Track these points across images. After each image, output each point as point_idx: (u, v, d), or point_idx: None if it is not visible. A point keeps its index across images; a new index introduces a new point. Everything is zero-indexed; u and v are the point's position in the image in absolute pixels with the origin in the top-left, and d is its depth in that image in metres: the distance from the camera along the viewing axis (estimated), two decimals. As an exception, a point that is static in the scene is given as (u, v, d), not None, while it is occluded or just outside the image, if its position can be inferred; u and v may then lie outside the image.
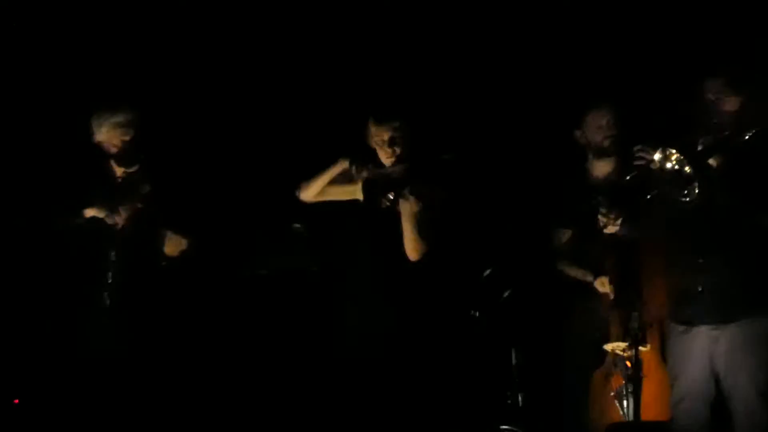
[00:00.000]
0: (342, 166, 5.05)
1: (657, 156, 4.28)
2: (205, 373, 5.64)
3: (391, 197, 5.01)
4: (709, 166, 4.38)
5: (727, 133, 4.51)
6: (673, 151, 4.26)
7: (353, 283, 5.28)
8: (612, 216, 4.58)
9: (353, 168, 4.99)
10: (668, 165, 4.29)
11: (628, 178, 4.55)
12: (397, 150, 5.09)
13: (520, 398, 5.56)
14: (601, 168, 5.20)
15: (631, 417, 4.86)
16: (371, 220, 5.14)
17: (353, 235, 5.29)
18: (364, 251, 5.21)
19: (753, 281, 4.44)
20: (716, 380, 4.46)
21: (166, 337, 5.13)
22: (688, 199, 4.31)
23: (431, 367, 5.16)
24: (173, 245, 4.89)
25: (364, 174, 5.00)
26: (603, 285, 5.04)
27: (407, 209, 5.00)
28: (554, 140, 5.62)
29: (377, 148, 5.12)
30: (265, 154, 6.05)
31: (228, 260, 5.93)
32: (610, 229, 4.63)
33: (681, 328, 4.54)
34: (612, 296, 5.03)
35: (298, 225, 5.81)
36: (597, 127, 5.23)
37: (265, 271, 5.98)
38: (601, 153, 5.16)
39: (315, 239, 5.91)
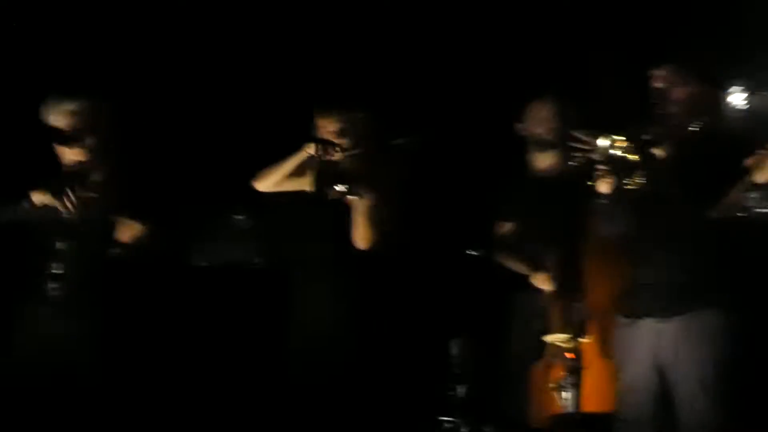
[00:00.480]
0: (306, 153, 5.04)
1: (603, 142, 4.26)
2: (154, 366, 5.51)
3: (343, 188, 4.99)
4: (656, 155, 4.36)
5: (674, 122, 4.50)
6: (620, 138, 4.24)
7: (302, 273, 5.28)
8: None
9: (320, 152, 5.00)
10: (613, 152, 4.27)
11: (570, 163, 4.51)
12: (346, 141, 5.09)
13: (460, 390, 5.53)
14: (544, 160, 5.21)
15: (571, 408, 4.80)
16: (321, 210, 5.12)
17: (302, 226, 5.28)
18: (314, 241, 5.22)
19: (699, 274, 4.44)
20: (661, 373, 4.47)
21: (120, 330, 5.12)
22: (632, 187, 4.29)
23: (378, 358, 5.19)
24: (127, 231, 4.83)
25: (333, 156, 5.01)
26: (542, 281, 5.07)
27: (360, 199, 5.01)
28: (496, 132, 5.60)
29: (325, 137, 5.15)
30: (207, 145, 6.05)
31: (174, 250, 5.78)
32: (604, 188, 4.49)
33: (626, 320, 4.54)
34: (552, 290, 5.03)
35: (240, 216, 5.80)
36: (539, 119, 5.24)
37: (206, 263, 5.97)
38: (543, 145, 5.16)
39: (258, 231, 5.76)
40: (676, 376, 4.44)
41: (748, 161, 4.22)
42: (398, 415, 5.29)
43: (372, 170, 5.11)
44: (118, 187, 4.90)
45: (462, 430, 5.46)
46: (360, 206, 5.00)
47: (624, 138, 4.28)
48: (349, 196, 4.95)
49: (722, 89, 4.71)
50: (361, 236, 5.05)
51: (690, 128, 4.45)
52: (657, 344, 4.46)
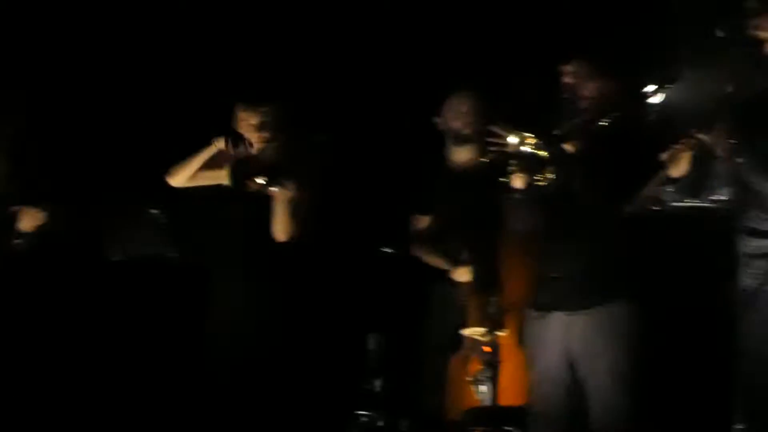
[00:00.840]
0: (216, 147, 5.04)
1: (513, 140, 4.30)
2: (61, 361, 5.58)
3: (263, 181, 4.98)
4: (566, 151, 4.43)
5: (585, 118, 4.56)
6: (529, 134, 4.28)
7: (219, 267, 5.28)
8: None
9: (230, 146, 4.99)
10: (524, 149, 4.31)
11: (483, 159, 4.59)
12: (266, 134, 5.10)
13: (377, 384, 5.54)
14: (461, 154, 5.23)
15: (488, 402, 4.81)
16: (240, 204, 5.11)
17: (219, 220, 5.26)
18: (231, 235, 5.19)
19: (608, 268, 4.51)
20: (572, 365, 4.54)
21: (22, 321, 5.06)
22: (543, 183, 4.34)
23: (295, 352, 5.21)
24: (29, 219, 4.78)
25: (241, 151, 5.00)
26: (461, 274, 5.09)
27: (280, 191, 5.01)
28: (414, 127, 5.64)
29: (246, 133, 5.12)
30: (122, 136, 5.97)
31: (87, 243, 5.83)
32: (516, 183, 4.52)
33: (537, 313, 4.61)
34: (470, 283, 5.05)
35: (155, 210, 5.75)
36: (456, 114, 5.27)
37: (120, 257, 5.90)
38: (461, 140, 5.21)
39: (175, 224, 5.86)
40: (587, 369, 4.53)
41: (663, 156, 4.29)
42: (315, 409, 5.32)
43: (291, 163, 5.13)
44: (24, 176, 4.87)
45: (378, 424, 5.45)
46: (280, 198, 5.01)
47: (534, 135, 4.32)
48: (269, 188, 4.97)
49: (633, 84, 4.74)
50: (280, 229, 5.05)
51: (600, 123, 4.50)
52: (567, 337, 4.56)
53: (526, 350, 4.77)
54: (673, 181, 4.30)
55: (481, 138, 4.95)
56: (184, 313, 5.65)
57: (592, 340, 4.49)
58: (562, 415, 4.59)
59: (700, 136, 4.31)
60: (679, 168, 4.26)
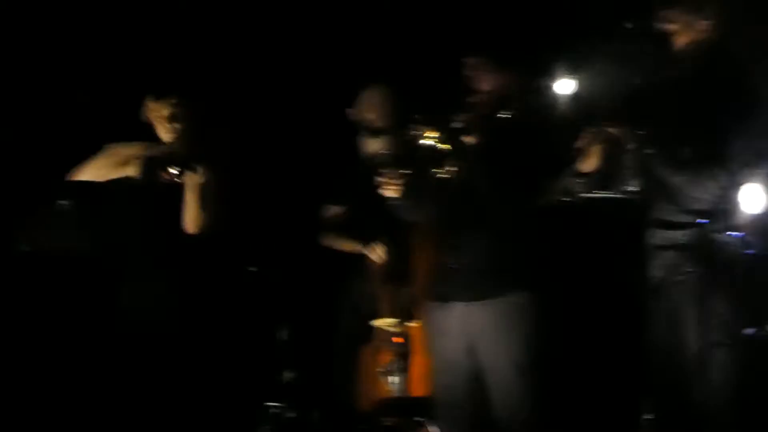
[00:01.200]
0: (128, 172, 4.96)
1: (414, 133, 4.35)
2: None
3: (176, 171, 4.90)
4: (466, 144, 4.44)
5: (485, 111, 4.55)
6: (429, 128, 4.30)
7: (129, 259, 5.13)
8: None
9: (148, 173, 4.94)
10: (424, 142, 4.34)
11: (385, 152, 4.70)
12: (177, 125, 5.00)
13: (287, 376, 5.54)
14: (374, 146, 5.24)
15: (399, 392, 4.95)
16: (149, 195, 5.01)
17: (128, 212, 5.09)
18: (142, 227, 5.07)
19: (506, 260, 4.54)
20: (474, 356, 4.57)
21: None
22: (446, 175, 4.36)
23: (204, 344, 5.08)
24: None
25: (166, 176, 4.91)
26: (376, 252, 5.12)
27: (193, 182, 4.91)
28: (328, 117, 5.67)
29: (156, 124, 5.03)
30: (30, 128, 5.87)
31: None
32: (389, 192, 4.58)
33: (437, 304, 4.64)
34: (384, 269, 5.09)
35: (64, 201, 5.68)
36: (370, 105, 5.30)
37: (27, 248, 5.81)
38: (373, 131, 5.21)
39: (84, 216, 5.73)
40: (488, 359, 4.56)
41: (574, 148, 4.35)
42: (225, 401, 5.20)
43: (203, 153, 5.08)
44: None
45: (289, 415, 5.45)
46: (191, 185, 4.96)
47: (434, 128, 4.34)
48: (183, 178, 4.92)
49: (535, 77, 4.83)
50: (192, 220, 5.00)
51: (499, 116, 4.51)
52: (468, 328, 4.57)
53: (428, 340, 4.80)
54: (584, 174, 4.38)
55: (394, 130, 5.10)
56: (93, 306, 5.58)
57: (492, 329, 4.53)
58: (464, 404, 4.61)
59: (609, 128, 4.40)
60: (590, 162, 4.34)
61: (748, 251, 4.49)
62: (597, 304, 5.35)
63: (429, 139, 4.32)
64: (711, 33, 4.44)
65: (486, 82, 4.61)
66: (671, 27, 4.49)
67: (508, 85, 4.62)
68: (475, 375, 4.59)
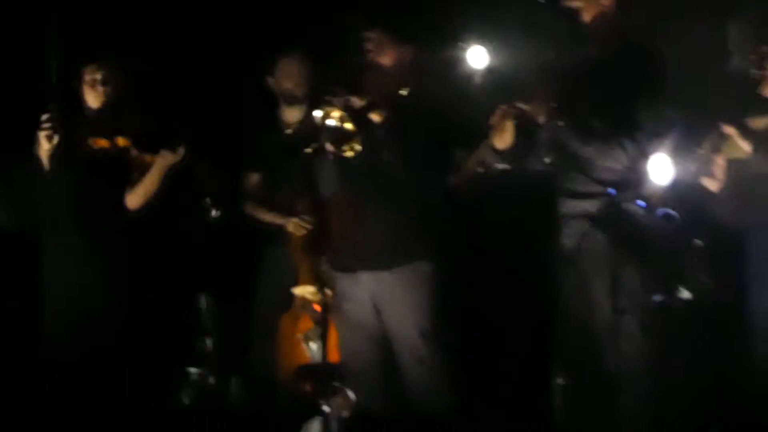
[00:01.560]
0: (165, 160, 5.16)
1: (317, 113, 4.40)
2: None
3: (127, 143, 5.01)
4: (371, 121, 4.51)
5: (388, 88, 4.61)
6: (333, 108, 4.38)
7: (62, 235, 5.18)
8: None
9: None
10: (329, 122, 4.39)
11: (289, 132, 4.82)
12: (108, 89, 5.05)
13: (208, 343, 5.49)
14: (292, 114, 5.35)
15: (318, 359, 4.98)
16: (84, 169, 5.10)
17: (60, 188, 5.13)
18: (79, 201, 5.11)
19: (407, 230, 4.64)
20: (380, 322, 4.71)
21: None
22: (351, 154, 4.43)
23: (128, 312, 5.17)
24: None
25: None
26: (297, 226, 5.18)
27: (165, 161, 5.08)
28: (247, 87, 5.69)
29: (87, 89, 5.08)
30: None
31: None
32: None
33: (343, 274, 4.75)
34: (303, 239, 5.17)
35: None
36: (287, 75, 5.40)
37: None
38: (292, 100, 5.32)
39: (11, 191, 5.47)
40: (394, 326, 4.72)
41: (490, 122, 4.43)
42: (148, 367, 5.26)
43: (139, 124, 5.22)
44: None
45: (209, 381, 5.41)
46: (162, 168, 5.10)
47: (338, 107, 4.41)
48: (135, 151, 5.08)
49: (438, 50, 4.88)
50: (141, 197, 5.14)
51: (401, 92, 4.58)
52: (374, 296, 4.72)
53: (337, 308, 4.87)
54: (498, 150, 4.47)
55: (312, 99, 5.16)
56: (23, 283, 5.46)
57: (397, 297, 4.71)
58: (373, 368, 4.74)
59: (521, 105, 4.47)
60: (504, 138, 4.45)
61: (655, 220, 4.64)
62: (509, 273, 5.38)
63: (334, 119, 4.39)
64: (614, 8, 4.55)
65: (387, 57, 4.66)
66: (576, 2, 4.59)
67: (410, 59, 4.69)
68: (383, 341, 4.71)
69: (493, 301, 5.40)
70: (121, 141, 5.16)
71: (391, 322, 4.72)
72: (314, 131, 4.51)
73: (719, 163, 4.44)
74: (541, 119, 4.47)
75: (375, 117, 4.58)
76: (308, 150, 4.52)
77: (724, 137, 4.52)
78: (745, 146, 4.41)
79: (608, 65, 4.57)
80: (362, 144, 4.43)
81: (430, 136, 4.66)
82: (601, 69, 4.56)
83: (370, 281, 4.70)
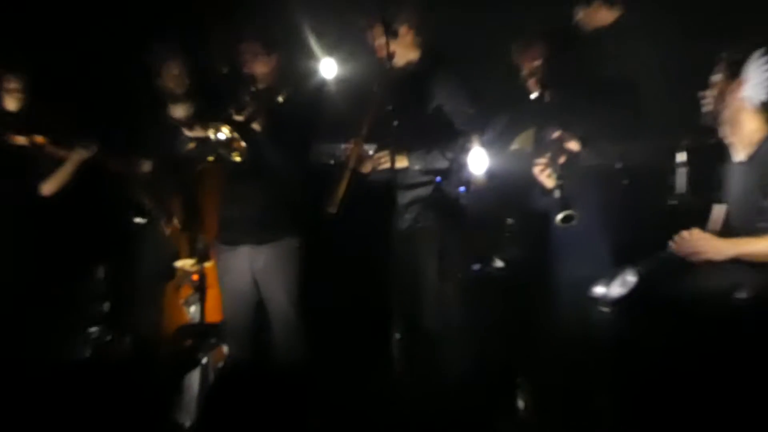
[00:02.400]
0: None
1: (210, 131, 4.78)
2: None
3: (42, 141, 5.44)
4: (253, 130, 4.90)
5: (263, 97, 4.97)
6: (222, 124, 4.79)
7: None
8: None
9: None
10: (220, 136, 4.79)
11: (191, 146, 5.10)
12: (24, 95, 5.54)
13: (105, 306, 5.95)
14: (177, 111, 5.60)
15: (197, 319, 5.35)
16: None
17: None
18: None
19: (280, 212, 5.06)
20: (257, 288, 5.14)
21: None
22: (239, 158, 4.82)
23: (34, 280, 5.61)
24: None
25: None
26: (169, 227, 5.57)
27: (79, 156, 5.58)
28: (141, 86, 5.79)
29: (5, 95, 5.56)
30: None
31: None
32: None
33: (226, 247, 5.10)
34: (181, 218, 5.53)
35: None
36: (170, 75, 5.57)
37: None
38: (176, 99, 5.55)
39: None
40: (268, 292, 5.10)
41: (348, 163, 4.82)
42: (54, 327, 5.71)
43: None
44: None
45: (106, 338, 5.85)
46: (76, 162, 5.58)
47: (223, 123, 4.79)
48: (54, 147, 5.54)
49: (299, 61, 5.20)
50: (55, 185, 5.60)
51: (276, 100, 4.98)
52: (252, 266, 5.09)
53: (219, 277, 5.23)
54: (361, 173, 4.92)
55: (195, 96, 5.51)
56: None
57: (271, 268, 5.07)
58: (249, 327, 5.19)
59: (357, 143, 4.86)
60: (365, 168, 4.92)
61: (474, 202, 5.08)
62: (360, 248, 5.59)
63: (222, 134, 4.80)
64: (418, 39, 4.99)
65: (259, 67, 5.04)
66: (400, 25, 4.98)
67: (278, 69, 5.07)
68: (258, 305, 5.12)
69: (347, 271, 5.70)
70: (38, 139, 5.49)
71: (265, 287, 5.06)
72: (208, 143, 4.81)
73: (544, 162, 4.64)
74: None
75: (255, 126, 4.89)
76: (210, 159, 4.84)
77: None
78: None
79: (423, 77, 4.97)
80: (245, 148, 4.77)
81: (299, 133, 5.01)
82: (420, 82, 4.98)
83: (249, 253, 5.03)
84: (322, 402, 4.36)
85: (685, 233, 4.31)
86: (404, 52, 5.02)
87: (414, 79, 5.01)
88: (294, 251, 5.07)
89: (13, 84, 5.55)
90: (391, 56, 4.73)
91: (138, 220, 5.75)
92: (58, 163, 5.61)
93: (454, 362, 4.91)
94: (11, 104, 5.54)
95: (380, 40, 4.77)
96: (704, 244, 4.27)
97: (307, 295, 5.14)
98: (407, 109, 4.81)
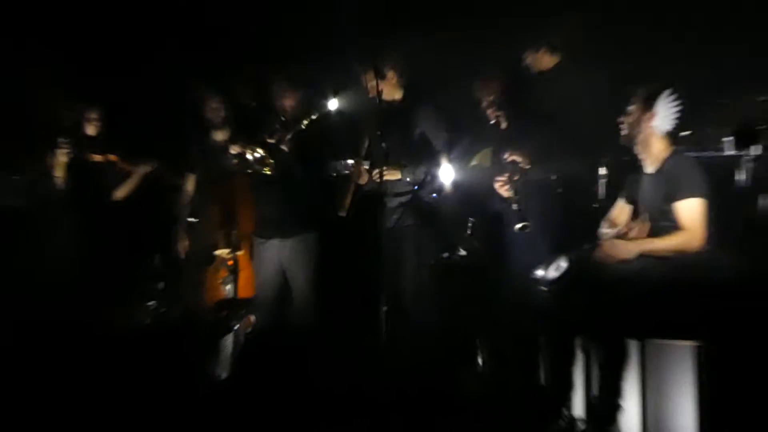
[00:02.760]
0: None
1: (248, 152, 5.01)
2: None
3: (114, 159, 5.63)
4: (282, 150, 5.13)
5: (290, 125, 5.11)
6: (256, 146, 5.01)
7: (66, 212, 5.58)
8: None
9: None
10: (255, 155, 5.02)
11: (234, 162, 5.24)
12: (101, 124, 5.64)
13: (160, 285, 6.11)
14: (218, 135, 5.74)
15: (231, 295, 5.48)
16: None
17: (72, 183, 5.56)
18: (80, 194, 5.58)
19: (301, 212, 5.24)
20: (283, 273, 5.30)
21: None
22: (269, 171, 5.04)
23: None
24: None
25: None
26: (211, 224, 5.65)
27: (143, 170, 5.70)
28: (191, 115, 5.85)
29: (87, 124, 5.63)
30: None
31: None
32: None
33: (260, 240, 5.33)
34: (219, 218, 5.61)
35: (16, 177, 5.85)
36: (210, 109, 5.69)
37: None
38: (217, 126, 5.69)
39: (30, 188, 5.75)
40: (291, 275, 5.33)
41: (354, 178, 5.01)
42: (124, 302, 5.92)
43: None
44: None
45: (161, 309, 6.03)
46: (141, 176, 5.72)
47: (258, 145, 4.99)
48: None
49: (316, 95, 5.29)
50: (125, 192, 5.68)
51: (301, 126, 5.16)
52: (280, 256, 5.32)
53: (255, 263, 5.39)
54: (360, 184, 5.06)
55: (230, 123, 5.66)
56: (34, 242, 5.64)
57: (293, 256, 5.30)
58: (275, 301, 5.34)
59: (358, 161, 4.97)
60: (363, 178, 5.00)
61: (443, 205, 5.13)
62: (360, 241, 5.21)
63: (257, 153, 5.00)
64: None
65: (287, 101, 5.22)
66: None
67: (300, 102, 5.23)
68: (284, 285, 5.31)
69: (349, 258, 5.57)
70: (112, 157, 5.69)
71: (289, 271, 5.30)
72: (246, 160, 5.03)
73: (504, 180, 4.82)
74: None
75: (283, 147, 5.11)
76: (248, 172, 5.06)
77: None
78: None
79: (406, 109, 5.14)
80: (274, 165, 5.01)
81: (317, 152, 5.18)
82: (404, 113, 5.13)
83: (278, 245, 5.28)
84: (328, 357, 4.60)
85: (605, 245, 4.43)
86: (391, 90, 5.13)
87: (399, 111, 5.17)
88: (311, 243, 5.31)
89: (92, 114, 5.76)
90: (380, 94, 4.77)
91: (190, 219, 5.78)
92: (127, 175, 5.83)
93: (428, 327, 5.01)
94: (91, 130, 5.76)
95: (371, 82, 4.81)
96: (618, 248, 4.41)
97: (320, 276, 5.33)
98: (394, 135, 4.97)
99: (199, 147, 5.78)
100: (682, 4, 5.24)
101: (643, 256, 4.35)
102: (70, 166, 5.55)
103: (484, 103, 5.24)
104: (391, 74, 5.09)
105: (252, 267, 5.49)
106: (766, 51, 4.94)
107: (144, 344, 5.03)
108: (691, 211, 4.28)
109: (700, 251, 4.27)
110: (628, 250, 4.37)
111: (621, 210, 4.65)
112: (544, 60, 5.20)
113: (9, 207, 5.56)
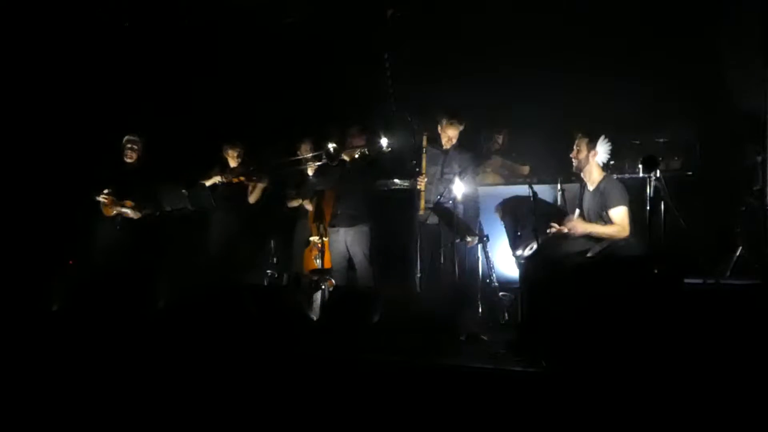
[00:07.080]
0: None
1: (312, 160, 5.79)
2: None
3: (242, 179, 6.06)
4: (344, 161, 5.83)
5: (357, 154, 5.76)
6: (324, 159, 5.87)
7: (217, 214, 6.16)
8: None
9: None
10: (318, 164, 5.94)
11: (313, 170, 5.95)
12: (242, 160, 6.16)
13: (275, 259, 6.48)
14: (304, 149, 6.24)
15: (320, 266, 5.88)
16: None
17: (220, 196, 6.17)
18: (227, 202, 6.13)
19: (359, 209, 5.79)
20: (349, 251, 5.89)
21: None
22: (336, 177, 5.82)
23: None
24: None
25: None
26: (309, 204, 6.13)
27: (263, 183, 6.02)
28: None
29: (229, 158, 6.15)
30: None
31: None
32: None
33: (333, 229, 5.99)
34: (313, 213, 5.99)
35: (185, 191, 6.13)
36: (232, 157, 6.29)
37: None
38: (308, 160, 6.22)
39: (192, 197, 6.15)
40: (354, 253, 5.96)
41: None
42: (254, 271, 6.34)
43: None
44: None
45: (275, 276, 6.55)
46: (262, 189, 6.03)
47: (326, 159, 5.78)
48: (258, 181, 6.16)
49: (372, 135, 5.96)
50: (254, 198, 6.03)
51: (358, 154, 5.91)
52: (346, 240, 5.93)
53: (329, 246, 5.98)
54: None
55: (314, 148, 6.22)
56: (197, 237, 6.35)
57: (355, 239, 5.91)
58: (343, 275, 5.94)
59: (420, 180, 5.51)
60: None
61: (457, 209, 5.60)
62: (398, 231, 5.87)
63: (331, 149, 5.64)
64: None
65: (357, 140, 5.94)
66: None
67: (365, 139, 5.99)
68: (349, 260, 5.99)
69: (392, 243, 5.97)
70: (241, 178, 6.26)
71: (352, 250, 5.91)
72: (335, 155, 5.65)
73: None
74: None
75: (346, 157, 5.76)
76: (334, 164, 5.71)
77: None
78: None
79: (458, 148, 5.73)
80: (342, 173, 5.62)
81: (372, 168, 5.88)
82: (456, 149, 5.68)
83: (344, 233, 5.92)
84: (382, 304, 4.98)
85: (568, 218, 5.03)
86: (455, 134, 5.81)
87: (453, 148, 5.79)
88: (367, 232, 5.96)
89: (233, 151, 6.29)
90: (451, 138, 5.54)
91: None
92: (253, 188, 6.32)
93: (447, 288, 5.45)
94: (232, 162, 6.34)
95: (449, 130, 5.49)
96: (575, 224, 5.03)
97: (373, 254, 5.85)
98: (452, 163, 5.69)
99: (299, 175, 6.29)
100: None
101: (585, 239, 4.93)
102: (217, 185, 6.30)
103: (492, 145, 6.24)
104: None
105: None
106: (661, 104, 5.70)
107: (264, 299, 5.15)
108: (620, 214, 4.90)
109: (625, 238, 4.90)
110: (583, 228, 4.98)
111: (576, 215, 5.19)
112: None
113: (179, 210, 6.10)
